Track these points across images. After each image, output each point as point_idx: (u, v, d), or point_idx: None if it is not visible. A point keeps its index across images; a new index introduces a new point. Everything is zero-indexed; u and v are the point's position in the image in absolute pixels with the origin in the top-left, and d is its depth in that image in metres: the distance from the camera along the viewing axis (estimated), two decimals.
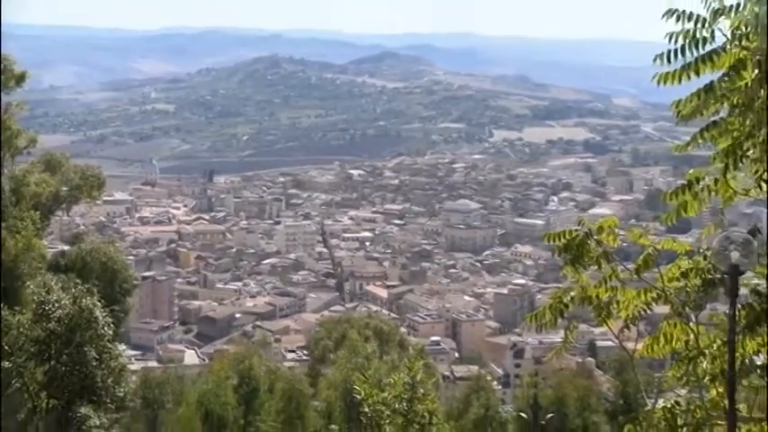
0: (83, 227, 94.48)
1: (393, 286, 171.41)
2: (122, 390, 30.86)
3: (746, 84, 10.66)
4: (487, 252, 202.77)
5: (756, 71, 10.51)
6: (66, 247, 47.57)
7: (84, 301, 28.52)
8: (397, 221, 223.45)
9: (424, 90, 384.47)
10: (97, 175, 48.00)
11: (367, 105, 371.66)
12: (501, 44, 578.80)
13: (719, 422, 11.91)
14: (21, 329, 28.80)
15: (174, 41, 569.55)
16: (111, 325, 30.29)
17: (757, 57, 10.45)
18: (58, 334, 28.16)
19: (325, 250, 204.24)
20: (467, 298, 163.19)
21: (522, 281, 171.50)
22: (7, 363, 28.92)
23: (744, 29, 10.61)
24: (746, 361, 11.85)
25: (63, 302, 28.38)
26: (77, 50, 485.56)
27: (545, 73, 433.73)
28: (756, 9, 10.49)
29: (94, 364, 28.88)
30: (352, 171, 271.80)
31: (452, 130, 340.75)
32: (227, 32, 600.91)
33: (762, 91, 10.62)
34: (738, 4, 10.63)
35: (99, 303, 29.14)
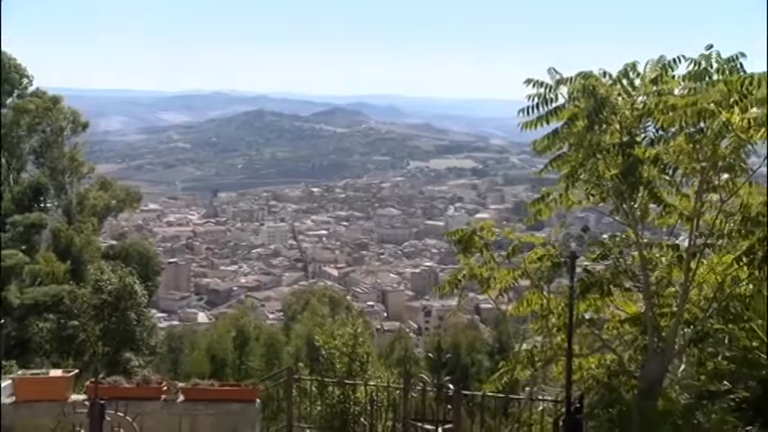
0: (126, 228, 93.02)
1: (341, 268, 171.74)
2: (154, 341, 30.88)
3: (578, 130, 10.85)
4: (406, 243, 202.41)
5: (584, 122, 10.69)
6: (114, 242, 46.99)
7: (127, 279, 28.34)
8: (344, 223, 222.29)
9: (362, 134, 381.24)
10: (136, 192, 47.70)
11: (323, 144, 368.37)
12: (414, 102, 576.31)
13: (561, 358, 12.07)
14: (84, 299, 28.80)
15: (189, 100, 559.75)
16: (146, 296, 30.27)
17: (585, 113, 10.63)
18: (109, 302, 27.98)
19: (294, 243, 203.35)
20: (392, 275, 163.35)
21: (429, 263, 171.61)
22: (76, 321, 29.05)
23: (576, 93, 10.79)
24: (579, 317, 12.02)
25: (112, 280, 28.17)
26: (122, 106, 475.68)
27: (444, 122, 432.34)
28: (583, 81, 10.68)
29: (134, 323, 28.79)
30: (313, 189, 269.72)
31: (381, 161, 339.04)
32: (226, 93, 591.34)
33: (588, 135, 10.80)
34: (572, 78, 10.83)
35: (137, 281, 28.98)
